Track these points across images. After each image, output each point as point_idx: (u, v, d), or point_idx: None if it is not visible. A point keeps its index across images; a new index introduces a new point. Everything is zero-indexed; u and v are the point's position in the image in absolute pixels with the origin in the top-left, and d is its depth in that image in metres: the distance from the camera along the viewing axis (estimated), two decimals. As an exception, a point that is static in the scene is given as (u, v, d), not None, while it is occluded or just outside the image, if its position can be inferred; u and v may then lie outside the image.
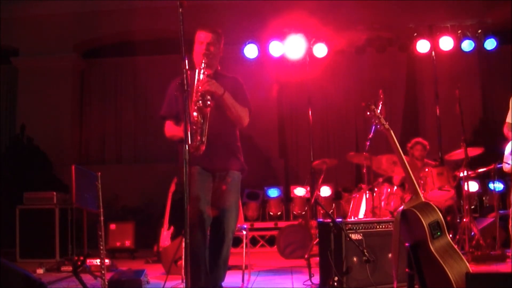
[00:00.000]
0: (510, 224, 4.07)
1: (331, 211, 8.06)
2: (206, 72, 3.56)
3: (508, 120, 4.47)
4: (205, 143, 3.42)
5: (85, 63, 10.86)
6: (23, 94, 10.32)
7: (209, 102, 3.39)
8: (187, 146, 2.85)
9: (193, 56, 3.72)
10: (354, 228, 4.28)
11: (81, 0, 10.00)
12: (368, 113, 3.73)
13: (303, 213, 8.28)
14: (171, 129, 3.75)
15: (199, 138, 3.41)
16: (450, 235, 3.74)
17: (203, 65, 3.55)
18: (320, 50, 8.10)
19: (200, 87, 3.47)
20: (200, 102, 3.40)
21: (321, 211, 6.95)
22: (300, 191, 8.40)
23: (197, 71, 3.56)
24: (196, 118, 3.41)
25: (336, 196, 8.59)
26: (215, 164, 3.63)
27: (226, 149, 3.70)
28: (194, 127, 3.38)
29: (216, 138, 3.56)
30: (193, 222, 3.49)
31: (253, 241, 8.35)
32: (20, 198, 7.31)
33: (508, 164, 4.29)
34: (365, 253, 4.02)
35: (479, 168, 6.25)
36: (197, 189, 3.57)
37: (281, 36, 8.11)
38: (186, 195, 2.80)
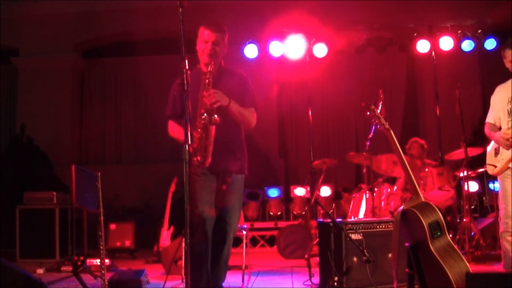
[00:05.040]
0: (501, 229, 4.02)
1: (331, 211, 8.06)
2: (211, 75, 3.54)
3: (488, 119, 4.34)
4: (210, 156, 3.42)
5: (85, 63, 10.85)
6: (23, 94, 10.31)
7: (215, 116, 3.38)
8: (186, 146, 2.85)
9: (197, 52, 3.71)
10: (354, 228, 4.28)
11: (81, 0, 10.00)
12: (368, 113, 3.74)
13: (303, 213, 8.27)
14: (175, 130, 3.75)
15: (203, 153, 3.41)
16: (450, 235, 3.74)
17: (208, 69, 3.54)
18: (320, 50, 8.10)
19: (205, 100, 3.45)
20: (206, 116, 3.40)
21: (321, 211, 6.95)
22: (300, 191, 8.40)
23: (202, 76, 3.55)
24: (200, 134, 3.40)
25: (336, 196, 8.59)
26: (218, 165, 3.62)
27: (230, 152, 3.70)
28: (199, 142, 3.38)
29: (221, 141, 3.56)
30: (196, 223, 3.49)
31: (253, 241, 8.35)
32: (20, 198, 7.30)
33: (493, 166, 4.16)
34: (365, 253, 4.03)
35: (479, 168, 6.25)
36: (200, 189, 3.57)
37: (281, 36, 8.11)
38: (186, 195, 2.80)
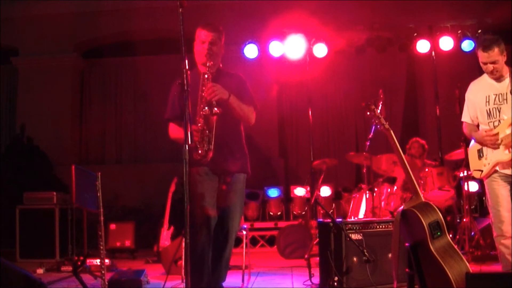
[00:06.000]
0: (494, 234, 3.97)
1: (331, 211, 8.06)
2: (210, 73, 3.55)
3: (464, 118, 4.14)
4: (213, 149, 3.42)
5: (85, 63, 10.85)
6: (23, 94, 10.31)
7: (215, 109, 3.39)
8: (187, 146, 2.85)
9: (194, 54, 3.72)
10: (354, 228, 4.28)
11: (81, 0, 10.00)
12: (368, 113, 3.73)
13: (303, 213, 8.27)
14: (175, 132, 3.75)
15: (206, 145, 3.41)
16: (450, 235, 3.74)
17: (207, 69, 3.55)
18: (320, 50, 8.09)
19: (205, 94, 3.46)
20: (207, 109, 3.40)
21: (321, 211, 6.95)
22: (300, 191, 8.40)
23: (201, 76, 3.55)
24: (201, 126, 3.41)
25: (336, 196, 8.58)
26: (219, 166, 3.63)
27: (229, 152, 3.70)
28: (200, 134, 3.38)
29: (222, 141, 3.56)
30: (199, 223, 3.49)
31: (253, 241, 8.35)
32: (20, 198, 7.29)
33: (479, 171, 3.99)
34: (365, 253, 4.03)
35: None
36: (203, 189, 3.57)
37: (281, 36, 8.10)
38: (186, 195, 2.80)
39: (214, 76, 3.60)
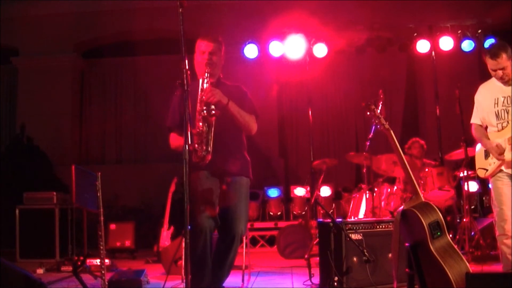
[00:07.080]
0: (497, 233, 4.00)
1: (331, 211, 8.06)
2: (209, 81, 3.55)
3: (474, 120, 4.24)
4: (211, 152, 3.42)
5: (85, 63, 10.86)
6: (23, 94, 10.32)
7: (213, 112, 3.38)
8: (187, 146, 2.84)
9: (194, 65, 3.70)
10: (354, 228, 4.28)
11: (81, 0, 10.01)
12: (368, 113, 3.74)
13: (303, 213, 8.27)
14: (176, 141, 3.74)
15: (204, 148, 3.40)
16: (450, 235, 3.74)
17: (206, 74, 3.55)
18: (320, 50, 8.09)
19: (204, 97, 3.46)
20: (205, 111, 3.40)
21: (321, 211, 6.95)
22: (300, 191, 8.40)
23: (200, 80, 3.55)
24: (200, 128, 3.41)
25: (336, 196, 8.59)
26: (220, 167, 3.62)
27: (229, 153, 3.68)
28: (199, 137, 3.38)
29: (221, 143, 3.55)
30: (200, 224, 3.48)
31: (253, 241, 8.35)
32: (20, 198, 7.29)
33: (484, 169, 4.09)
34: (365, 253, 4.03)
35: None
36: (204, 191, 3.56)
37: (281, 36, 8.10)
38: (186, 195, 2.80)
39: (214, 86, 3.60)
